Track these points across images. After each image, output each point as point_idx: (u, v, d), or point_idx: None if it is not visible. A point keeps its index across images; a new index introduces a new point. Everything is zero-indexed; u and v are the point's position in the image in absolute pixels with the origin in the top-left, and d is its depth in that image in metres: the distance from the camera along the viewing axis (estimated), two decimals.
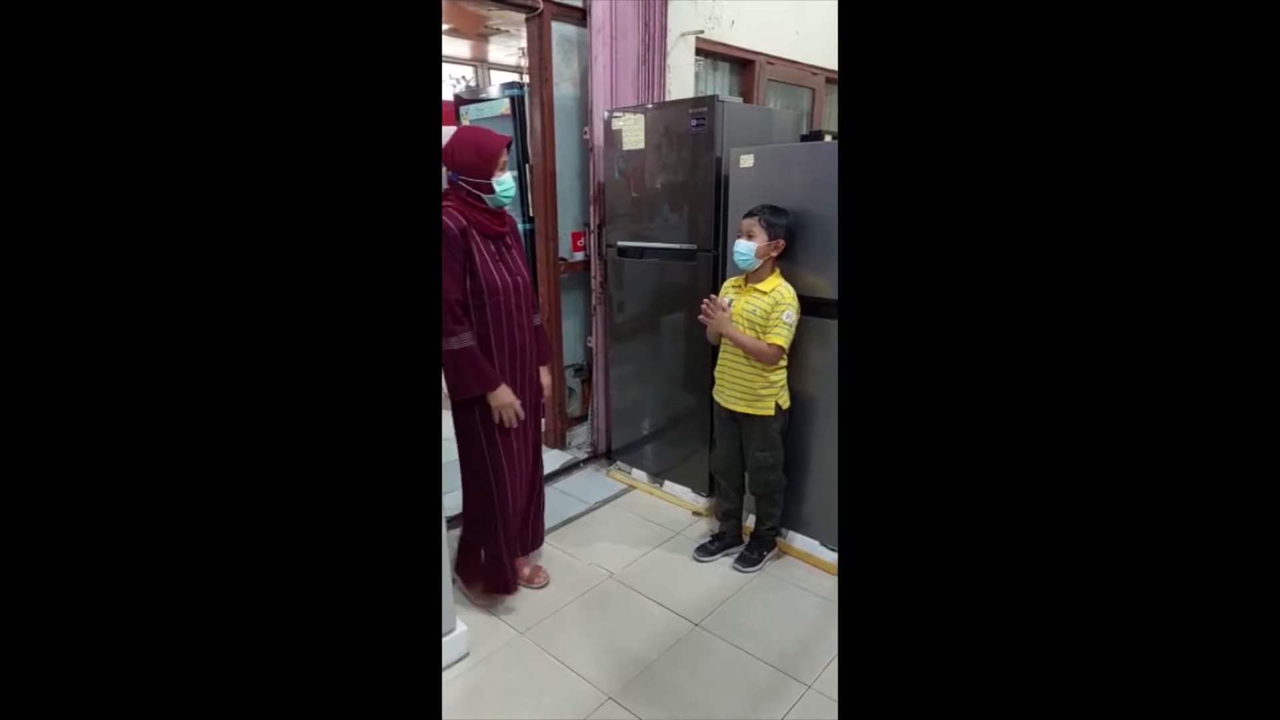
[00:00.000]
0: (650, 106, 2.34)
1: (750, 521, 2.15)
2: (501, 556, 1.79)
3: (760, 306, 1.85)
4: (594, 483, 2.66)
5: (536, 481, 1.94)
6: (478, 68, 8.16)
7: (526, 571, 1.95)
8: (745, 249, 1.82)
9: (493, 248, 1.64)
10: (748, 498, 2.11)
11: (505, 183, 1.63)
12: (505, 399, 1.66)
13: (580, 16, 2.47)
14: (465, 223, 1.58)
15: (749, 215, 1.85)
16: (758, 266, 1.84)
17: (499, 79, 6.82)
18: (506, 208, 1.69)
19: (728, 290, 1.97)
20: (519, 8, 2.36)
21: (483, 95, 2.98)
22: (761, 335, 1.85)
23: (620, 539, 2.24)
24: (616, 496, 2.55)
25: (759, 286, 1.86)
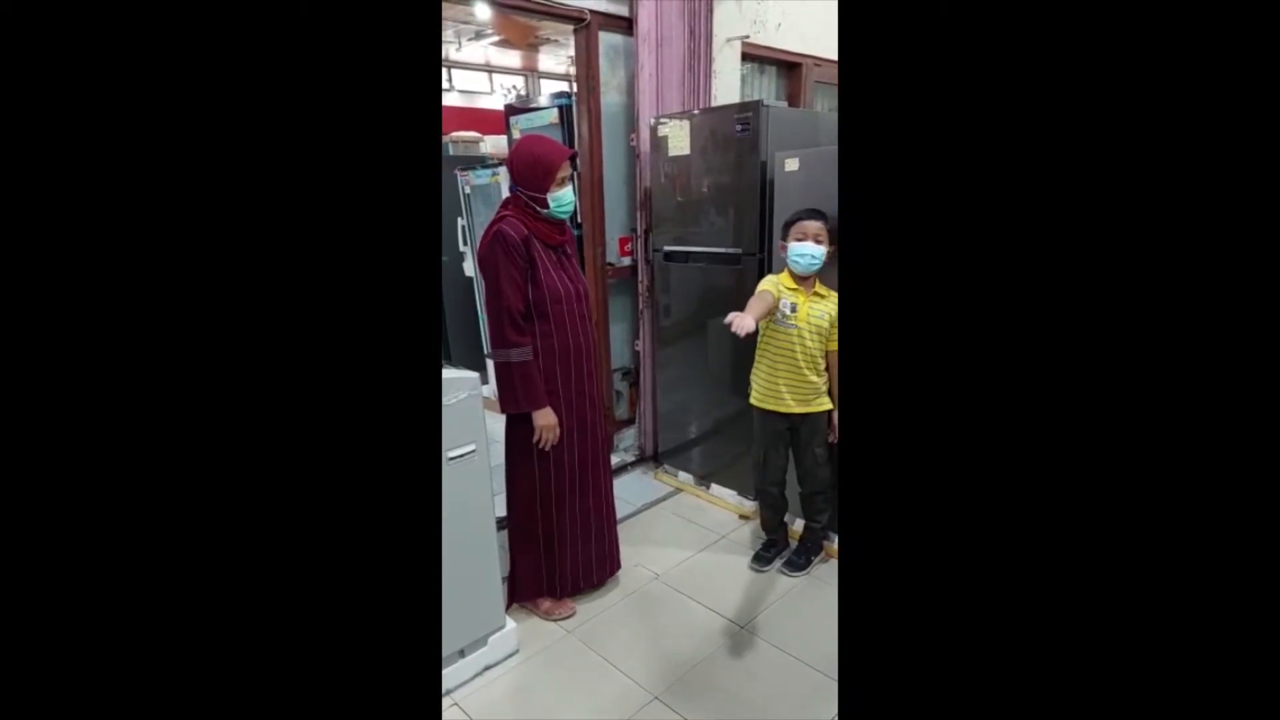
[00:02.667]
0: (696, 112, 2.36)
1: (797, 525, 2.13)
2: (561, 567, 1.82)
3: (827, 311, 1.83)
4: (642, 485, 2.69)
5: (606, 494, 1.90)
6: (528, 77, 8.33)
7: (546, 604, 1.86)
8: (819, 253, 1.79)
9: (553, 256, 1.68)
10: (792, 504, 2.09)
11: (561, 198, 1.64)
12: (550, 420, 1.68)
13: (627, 26, 2.51)
14: (526, 231, 1.61)
15: (812, 218, 1.79)
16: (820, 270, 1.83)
17: (549, 87, 6.95)
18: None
19: (784, 291, 1.86)
20: (567, 19, 2.42)
21: (532, 105, 3.05)
22: (821, 339, 1.84)
23: (667, 541, 2.26)
24: (664, 499, 2.57)
25: (819, 290, 1.85)
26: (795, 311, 1.85)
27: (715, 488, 2.54)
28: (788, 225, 1.85)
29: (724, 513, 2.45)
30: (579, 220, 2.68)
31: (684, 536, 2.29)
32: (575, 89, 2.57)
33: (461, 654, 1.63)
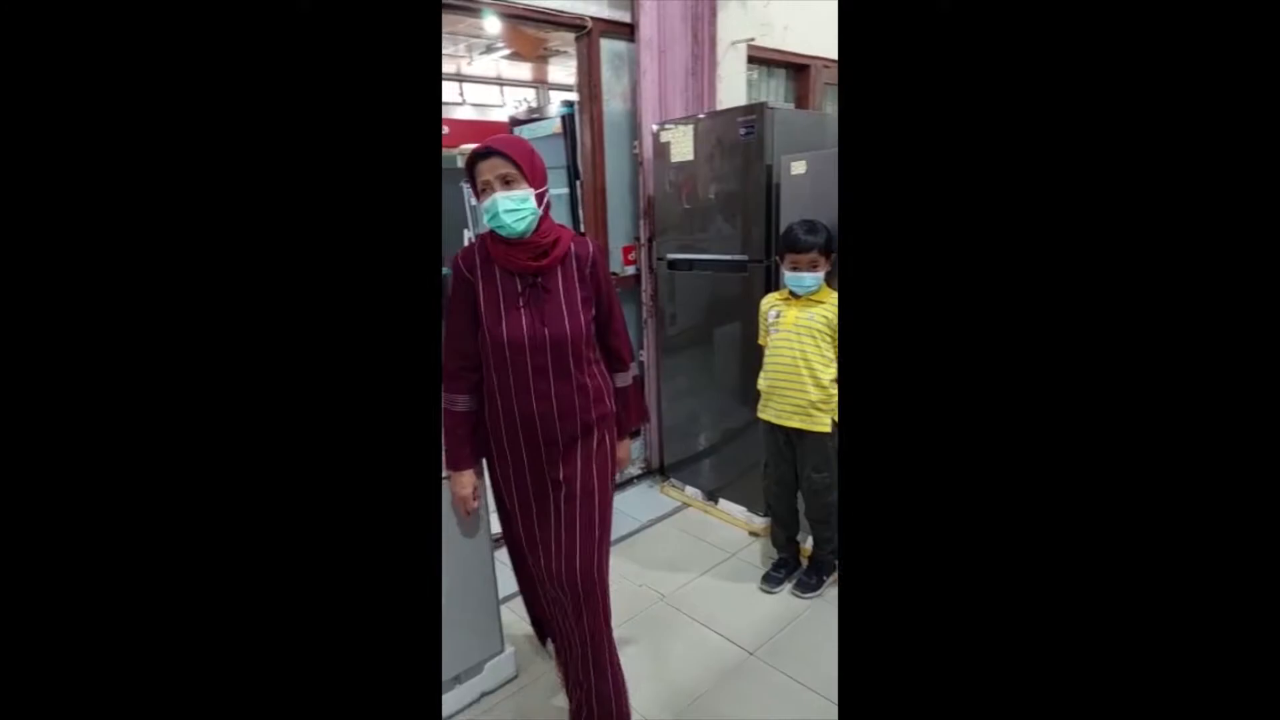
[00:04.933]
0: (700, 116, 2.30)
1: (808, 544, 2.05)
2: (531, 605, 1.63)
3: (818, 313, 1.78)
4: (647, 499, 2.61)
5: (578, 583, 1.32)
6: (539, 89, 8.39)
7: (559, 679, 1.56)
8: (814, 280, 1.77)
9: (516, 287, 1.25)
10: (804, 519, 2.01)
11: (488, 209, 1.18)
12: (457, 490, 1.37)
13: (629, 32, 2.47)
14: (477, 258, 1.26)
15: (802, 250, 1.75)
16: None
17: (560, 99, 6.99)
18: (545, 233, 1.24)
19: (774, 303, 1.90)
20: (568, 27, 2.38)
21: (534, 115, 3.02)
22: (821, 343, 1.78)
23: (672, 559, 2.18)
24: (670, 514, 2.49)
25: (817, 296, 1.80)
26: (780, 318, 1.84)
27: (724, 503, 2.46)
28: (782, 245, 1.81)
29: (733, 530, 2.36)
30: (581, 230, 2.64)
31: (691, 555, 2.21)
32: (578, 98, 2.53)
33: (458, 680, 1.57)
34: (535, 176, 1.19)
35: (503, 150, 1.17)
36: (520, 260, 1.23)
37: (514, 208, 1.17)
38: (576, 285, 1.27)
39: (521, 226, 1.18)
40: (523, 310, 1.24)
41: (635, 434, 1.36)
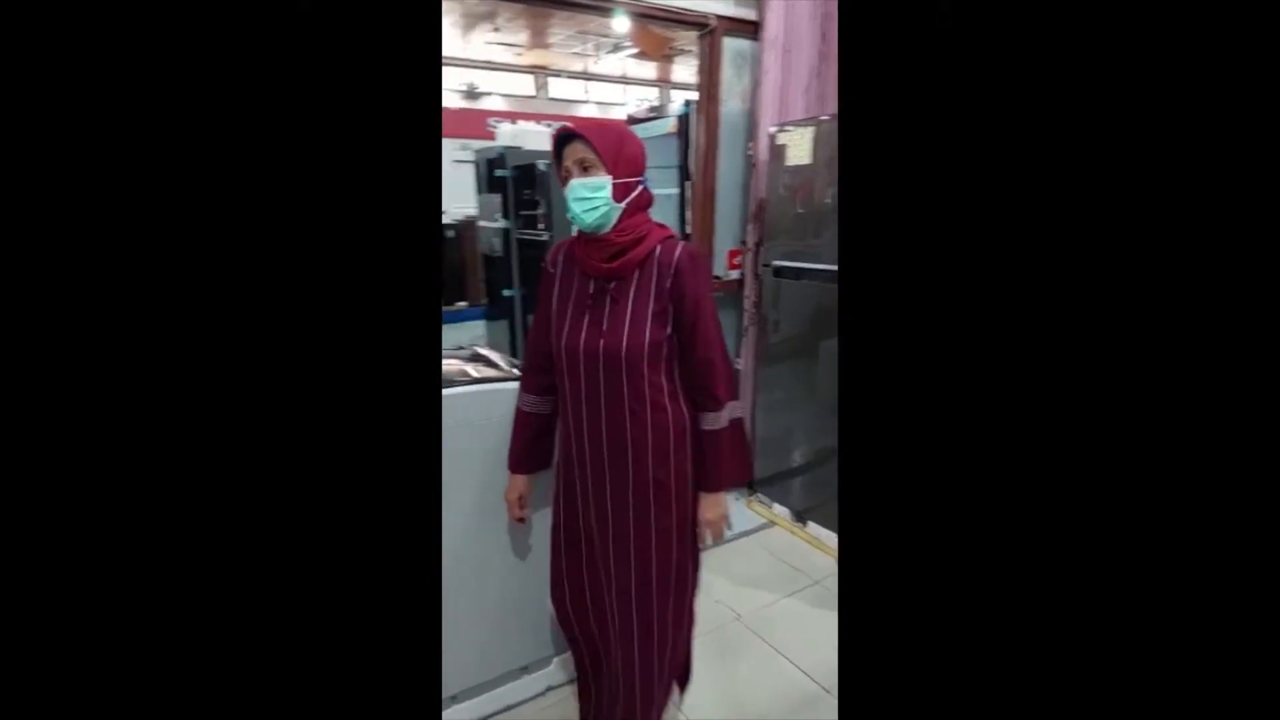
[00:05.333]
0: (823, 119, 2.19)
1: None
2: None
3: None
4: (732, 512, 2.53)
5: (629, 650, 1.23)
6: (661, 88, 8.43)
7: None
8: None
9: (590, 289, 1.11)
10: None
11: (565, 196, 1.06)
12: (506, 493, 1.32)
13: (754, 30, 2.40)
14: (562, 256, 1.16)
15: None
16: None
17: (683, 98, 7.01)
18: (612, 233, 1.07)
19: None
20: (691, 25, 2.35)
21: (652, 114, 3.02)
22: None
23: (753, 579, 2.10)
24: (755, 531, 2.41)
25: None
26: None
27: (813, 526, 2.33)
28: None
29: (821, 556, 2.24)
30: (688, 231, 2.60)
31: (773, 576, 2.11)
32: (697, 96, 2.49)
33: (526, 670, 1.59)
34: (619, 165, 1.03)
35: (582, 133, 1.03)
36: (594, 260, 1.09)
37: (585, 196, 1.02)
38: (650, 296, 1.08)
39: (591, 219, 1.03)
40: (587, 315, 1.10)
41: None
